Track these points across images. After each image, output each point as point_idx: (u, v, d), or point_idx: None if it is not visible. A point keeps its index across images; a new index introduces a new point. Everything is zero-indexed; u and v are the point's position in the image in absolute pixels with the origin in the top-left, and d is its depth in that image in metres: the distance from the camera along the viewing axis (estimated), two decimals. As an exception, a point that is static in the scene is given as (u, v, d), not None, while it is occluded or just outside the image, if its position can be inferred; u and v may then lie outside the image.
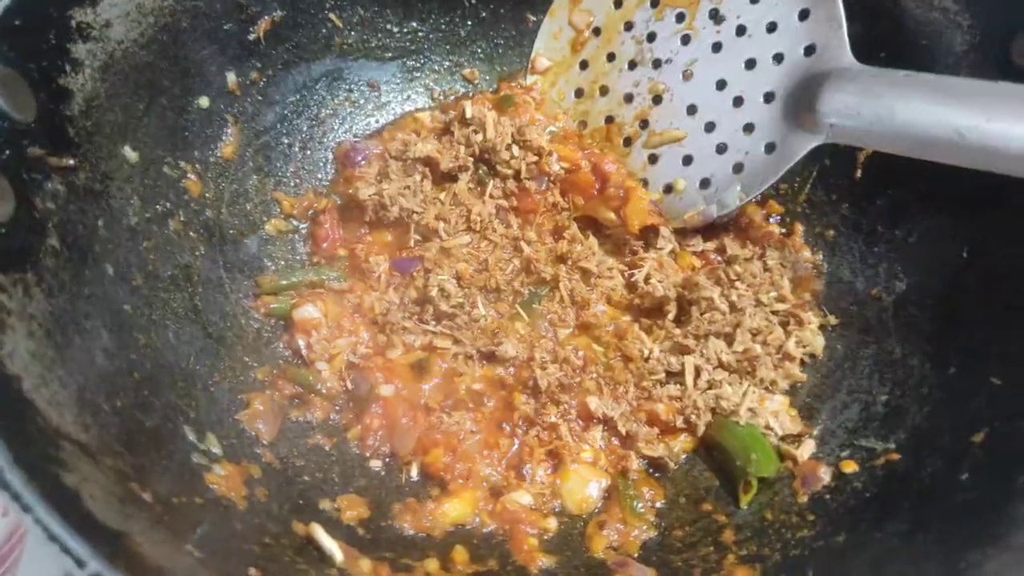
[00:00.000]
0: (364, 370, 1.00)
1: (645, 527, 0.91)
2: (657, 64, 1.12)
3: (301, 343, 1.01)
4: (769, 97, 1.04)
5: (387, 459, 0.97)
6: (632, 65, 1.14)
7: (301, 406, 0.97)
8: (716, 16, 1.07)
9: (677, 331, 1.05)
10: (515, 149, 1.11)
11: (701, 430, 0.98)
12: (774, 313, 1.05)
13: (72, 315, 0.75)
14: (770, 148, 1.03)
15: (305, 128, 1.14)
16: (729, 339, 1.03)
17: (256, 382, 0.96)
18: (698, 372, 1.01)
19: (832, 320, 1.05)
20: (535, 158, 1.11)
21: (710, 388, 1.01)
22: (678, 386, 1.01)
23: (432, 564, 0.84)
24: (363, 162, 1.13)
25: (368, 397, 0.98)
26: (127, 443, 0.71)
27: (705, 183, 1.09)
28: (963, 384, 0.88)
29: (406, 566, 0.83)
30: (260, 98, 1.09)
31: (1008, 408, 0.81)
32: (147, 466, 0.71)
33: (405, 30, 1.20)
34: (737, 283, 1.06)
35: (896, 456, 0.87)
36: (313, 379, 0.99)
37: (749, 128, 1.05)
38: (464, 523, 0.91)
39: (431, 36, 1.21)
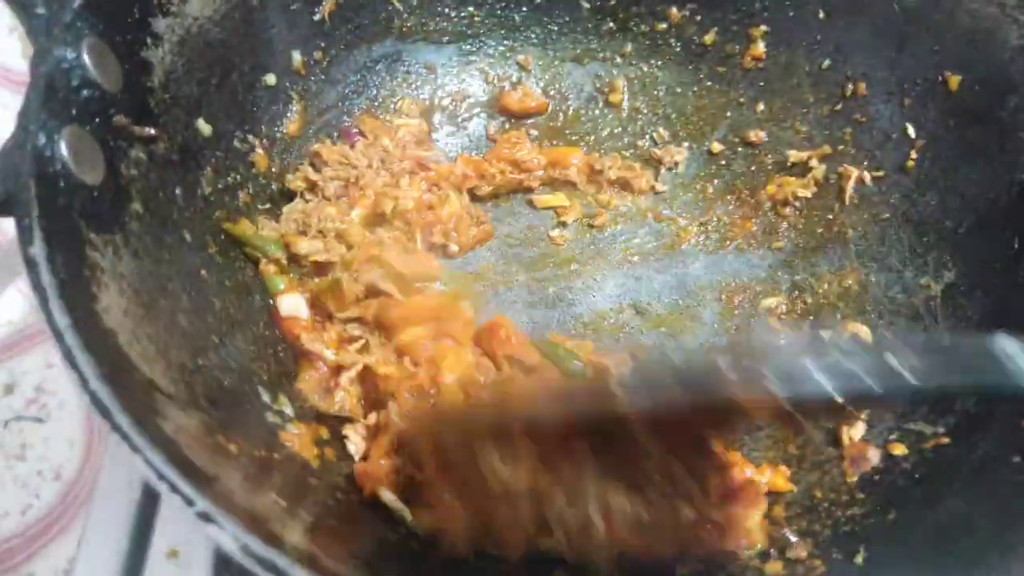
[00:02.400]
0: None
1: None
2: None
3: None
4: None
5: None
6: None
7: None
8: None
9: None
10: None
11: None
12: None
13: (156, 277, 0.78)
14: None
15: (365, 107, 1.16)
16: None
17: (318, 351, 0.98)
18: None
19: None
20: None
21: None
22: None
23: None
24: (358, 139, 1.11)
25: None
26: (210, 399, 0.74)
27: None
28: (1012, 371, 0.89)
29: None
30: (323, 77, 1.12)
31: (1058, 393, 0.82)
32: (229, 421, 0.74)
33: (462, 14, 1.22)
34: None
35: (946, 440, 0.89)
36: None
37: None
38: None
39: (487, 21, 1.23)
